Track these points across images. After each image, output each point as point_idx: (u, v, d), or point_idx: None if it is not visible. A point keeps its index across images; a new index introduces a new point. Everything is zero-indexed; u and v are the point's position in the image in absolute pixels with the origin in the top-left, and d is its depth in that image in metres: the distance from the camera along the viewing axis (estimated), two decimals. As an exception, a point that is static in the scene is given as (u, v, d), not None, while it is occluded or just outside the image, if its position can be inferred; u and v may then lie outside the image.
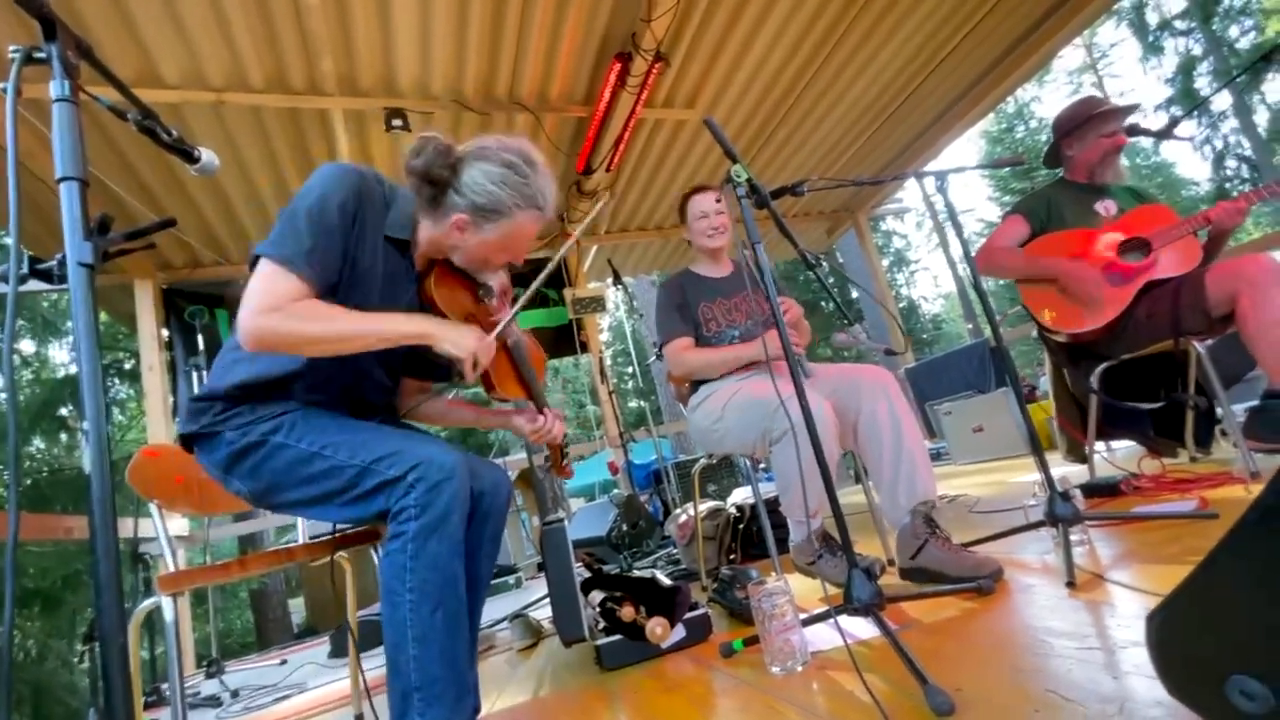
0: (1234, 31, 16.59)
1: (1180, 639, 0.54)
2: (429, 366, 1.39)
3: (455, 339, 1.14)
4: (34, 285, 0.79)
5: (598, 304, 5.05)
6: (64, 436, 9.19)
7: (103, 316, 5.08)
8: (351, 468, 1.09)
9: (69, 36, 0.80)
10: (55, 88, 0.78)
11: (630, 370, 19.98)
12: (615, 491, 3.83)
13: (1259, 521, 0.48)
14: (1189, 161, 29.26)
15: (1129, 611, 1.10)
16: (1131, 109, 2.16)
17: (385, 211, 1.21)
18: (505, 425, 1.44)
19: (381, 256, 1.20)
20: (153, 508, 1.48)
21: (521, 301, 1.37)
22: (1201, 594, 0.52)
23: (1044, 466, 1.59)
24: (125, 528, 2.90)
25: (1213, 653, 0.51)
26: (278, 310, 1.02)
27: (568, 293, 5.00)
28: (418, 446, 1.10)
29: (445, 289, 1.28)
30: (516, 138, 1.25)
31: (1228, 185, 17.49)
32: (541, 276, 1.47)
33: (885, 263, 21.37)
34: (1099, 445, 2.38)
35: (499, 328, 1.28)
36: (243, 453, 1.15)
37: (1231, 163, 17.61)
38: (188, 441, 1.22)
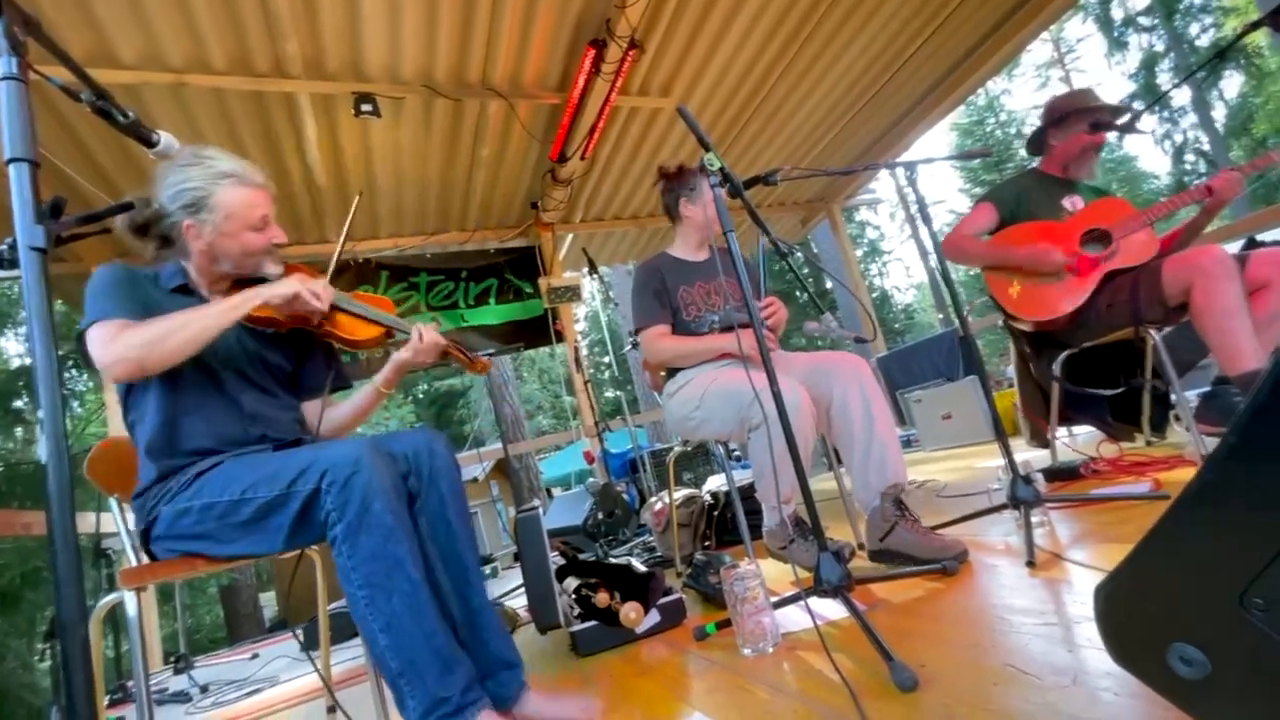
0: (1194, 29, 17.05)
1: (1125, 610, 0.57)
2: (313, 376, 1.52)
3: (278, 288, 1.23)
4: (-17, 270, 0.76)
5: (573, 293, 5.03)
6: (20, 430, 8.89)
7: (61, 306, 4.90)
8: (275, 500, 1.14)
9: (15, 12, 0.77)
10: (1, 65, 0.74)
11: (606, 360, 19.94)
12: (591, 480, 3.83)
13: (1196, 498, 0.51)
14: (1150, 156, 30.15)
15: (1085, 588, 1.14)
16: (1121, 109, 2.14)
17: (156, 278, 1.36)
18: (397, 367, 1.46)
19: (179, 307, 1.26)
20: (113, 502, 1.45)
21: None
22: (1145, 567, 0.55)
23: (1007, 452, 1.64)
24: (86, 523, 2.82)
25: (1155, 622, 0.54)
26: (113, 341, 1.16)
27: (543, 282, 4.96)
28: (322, 453, 1.14)
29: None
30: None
31: (1186, 179, 18.03)
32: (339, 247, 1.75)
33: (859, 253, 21.61)
34: (1061, 431, 2.45)
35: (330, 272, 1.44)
36: (179, 522, 1.23)
37: (1190, 156, 18.16)
38: (145, 538, 1.29)
